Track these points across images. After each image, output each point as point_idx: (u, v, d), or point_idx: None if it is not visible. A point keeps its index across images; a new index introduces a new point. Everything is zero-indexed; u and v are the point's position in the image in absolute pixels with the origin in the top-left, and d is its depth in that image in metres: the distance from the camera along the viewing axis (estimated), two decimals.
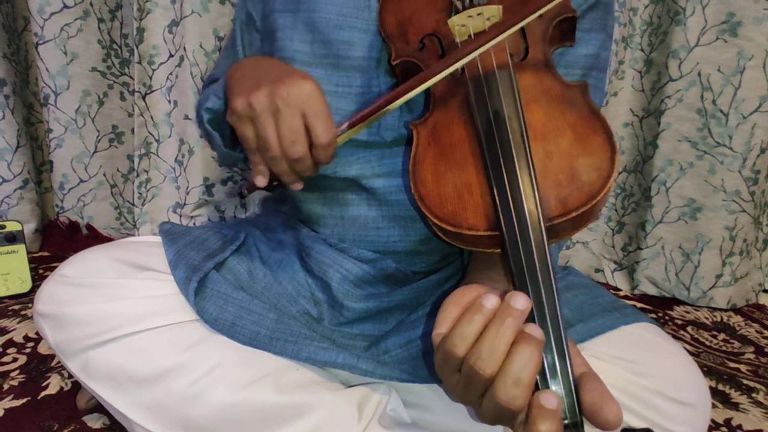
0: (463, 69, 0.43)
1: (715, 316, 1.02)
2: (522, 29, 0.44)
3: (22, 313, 0.82)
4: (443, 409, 0.48)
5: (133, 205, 1.10)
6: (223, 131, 0.52)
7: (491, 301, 0.32)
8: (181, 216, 1.09)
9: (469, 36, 0.44)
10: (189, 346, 0.45)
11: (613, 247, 1.15)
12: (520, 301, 0.30)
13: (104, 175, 1.15)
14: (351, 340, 0.51)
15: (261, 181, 0.44)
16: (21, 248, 0.90)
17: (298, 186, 0.45)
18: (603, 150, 0.37)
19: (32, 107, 1.14)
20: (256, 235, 0.56)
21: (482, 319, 0.31)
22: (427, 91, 0.47)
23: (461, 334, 0.31)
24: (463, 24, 0.44)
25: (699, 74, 0.99)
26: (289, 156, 0.41)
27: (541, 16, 0.44)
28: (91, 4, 1.06)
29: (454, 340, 0.31)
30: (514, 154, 0.37)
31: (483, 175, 0.38)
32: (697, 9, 0.97)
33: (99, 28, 1.08)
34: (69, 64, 1.06)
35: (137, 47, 0.99)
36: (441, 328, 0.34)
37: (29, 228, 1.09)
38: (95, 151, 1.13)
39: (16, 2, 1.08)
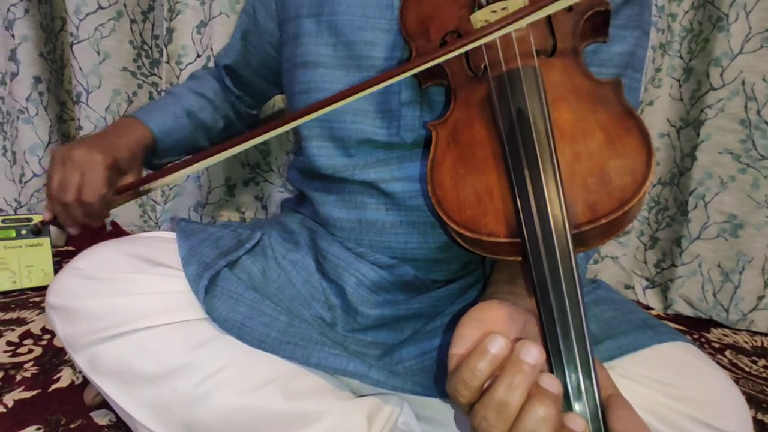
0: (485, 67, 0.41)
1: (755, 341, 0.96)
2: (550, 23, 0.42)
3: (42, 305, 0.84)
4: (458, 424, 0.46)
5: (156, 203, 1.11)
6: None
7: (496, 345, 0.29)
8: (202, 215, 1.10)
9: None
10: (197, 345, 0.43)
11: (645, 263, 1.10)
12: (532, 354, 0.28)
13: None
14: (364, 347, 0.49)
15: (45, 214, 0.57)
16: (46, 241, 0.92)
17: (70, 230, 0.57)
18: (637, 152, 0.34)
19: (65, 105, 1.17)
20: (273, 235, 0.55)
21: (487, 367, 0.29)
22: (448, 90, 0.45)
23: (465, 381, 0.29)
24: (486, 19, 0.42)
25: (743, 83, 0.94)
26: (57, 199, 0.53)
27: (570, 8, 0.42)
28: (124, 5, 1.08)
29: (458, 386, 0.29)
30: (539, 156, 0.34)
31: (505, 179, 0.36)
32: (740, 15, 0.92)
33: (131, 28, 1.10)
34: (101, 64, 1.09)
35: (166, 47, 1.00)
36: (455, 347, 0.32)
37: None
38: None
39: (54, 2, 1.12)
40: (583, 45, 0.44)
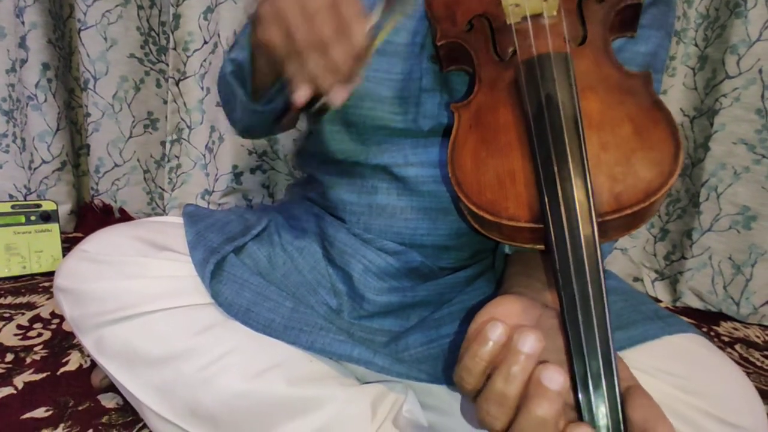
0: (514, 51, 0.40)
1: (767, 335, 0.95)
2: (581, 12, 0.41)
3: (52, 290, 0.84)
4: (463, 413, 0.45)
5: (164, 190, 1.11)
6: (246, 84, 0.49)
7: (496, 331, 0.29)
8: (209, 203, 1.10)
9: (524, 17, 0.41)
10: (202, 329, 0.43)
11: (655, 255, 1.09)
12: (528, 343, 0.28)
13: (138, 160, 1.17)
14: (370, 334, 0.49)
15: (301, 94, 0.35)
16: (55, 227, 0.92)
17: (340, 94, 0.35)
18: (665, 145, 0.34)
19: (73, 92, 1.18)
20: (279, 221, 0.55)
21: (487, 354, 0.29)
22: (472, 75, 0.45)
23: (468, 368, 0.29)
24: (517, 4, 0.41)
25: (760, 71, 0.92)
26: (318, 35, 0.33)
27: (602, 0, 0.41)
28: None
29: (462, 373, 0.30)
30: (567, 142, 0.34)
31: (529, 164, 0.36)
32: (759, 1, 0.90)
33: (138, 15, 1.10)
34: (108, 50, 1.09)
35: (173, 33, 1.00)
36: (467, 342, 0.32)
37: (65, 209, 1.12)
38: (130, 137, 1.15)
39: None
40: (612, 37, 0.43)
